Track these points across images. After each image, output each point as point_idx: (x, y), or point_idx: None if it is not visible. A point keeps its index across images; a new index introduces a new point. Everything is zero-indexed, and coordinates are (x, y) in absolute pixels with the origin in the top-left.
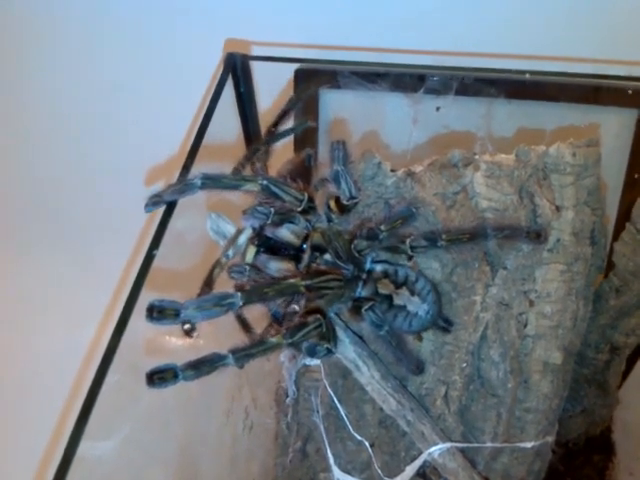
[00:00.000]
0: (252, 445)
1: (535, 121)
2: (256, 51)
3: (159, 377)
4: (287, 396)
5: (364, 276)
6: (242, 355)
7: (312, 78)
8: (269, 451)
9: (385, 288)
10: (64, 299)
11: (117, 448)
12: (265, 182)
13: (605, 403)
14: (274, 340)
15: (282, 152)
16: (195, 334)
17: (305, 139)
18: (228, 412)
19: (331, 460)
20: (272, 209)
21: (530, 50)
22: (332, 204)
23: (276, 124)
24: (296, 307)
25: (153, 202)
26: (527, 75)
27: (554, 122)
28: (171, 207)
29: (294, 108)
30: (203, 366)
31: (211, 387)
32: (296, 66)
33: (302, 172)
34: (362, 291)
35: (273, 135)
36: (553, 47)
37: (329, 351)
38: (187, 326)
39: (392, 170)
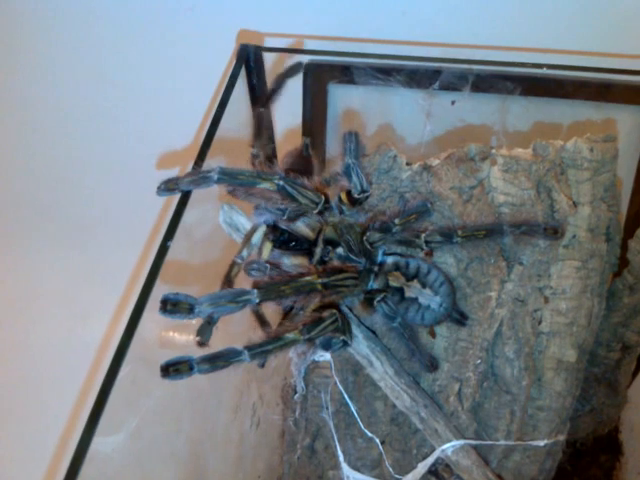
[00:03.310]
0: (259, 442)
1: (550, 116)
2: (268, 42)
3: (174, 369)
4: (295, 392)
5: (375, 269)
6: (258, 352)
7: (322, 72)
8: (275, 448)
9: (396, 281)
10: (76, 293)
11: (126, 442)
12: (282, 182)
13: (614, 403)
14: (291, 336)
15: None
16: (207, 346)
17: (314, 134)
18: (236, 408)
19: (341, 457)
20: (287, 206)
21: (546, 44)
22: (343, 197)
23: (266, 103)
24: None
25: (167, 188)
26: (544, 68)
27: (569, 118)
28: (185, 197)
29: (282, 87)
30: (218, 360)
31: (221, 382)
32: (308, 57)
33: (303, 163)
34: (373, 284)
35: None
36: (569, 40)
37: (345, 343)
38: (198, 338)
39: (407, 163)
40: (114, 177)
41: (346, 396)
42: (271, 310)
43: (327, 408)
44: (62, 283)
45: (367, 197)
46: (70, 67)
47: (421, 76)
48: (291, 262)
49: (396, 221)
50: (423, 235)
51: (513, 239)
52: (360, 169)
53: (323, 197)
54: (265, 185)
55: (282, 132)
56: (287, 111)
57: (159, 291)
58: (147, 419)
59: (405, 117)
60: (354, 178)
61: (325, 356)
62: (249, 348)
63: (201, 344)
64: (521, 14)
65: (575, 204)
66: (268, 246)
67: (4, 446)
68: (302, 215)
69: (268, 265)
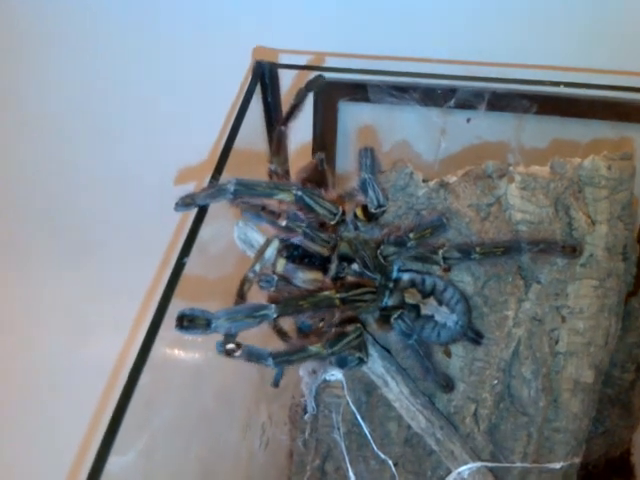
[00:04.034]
0: (267, 462)
1: (566, 134)
2: (283, 59)
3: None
4: (305, 412)
5: (391, 285)
6: (282, 360)
7: (334, 90)
8: (283, 469)
9: (412, 298)
10: (88, 309)
11: (136, 462)
12: (300, 193)
13: (627, 424)
14: (314, 349)
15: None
16: (238, 353)
17: (325, 153)
18: (245, 428)
19: (352, 479)
20: (304, 222)
21: (563, 61)
22: (359, 212)
23: (286, 121)
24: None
25: (185, 203)
26: (561, 86)
27: (585, 136)
28: (201, 214)
29: (303, 102)
30: (252, 357)
31: (230, 402)
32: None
33: (317, 178)
34: (389, 300)
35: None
36: (586, 58)
37: (361, 361)
38: (230, 346)
39: (424, 180)
40: (129, 191)
41: (358, 416)
42: (287, 326)
43: (338, 429)
44: (73, 299)
45: (384, 212)
46: (85, 82)
47: (436, 94)
48: (306, 277)
49: (411, 235)
50: (441, 251)
51: (531, 257)
52: (376, 184)
53: (341, 208)
54: (283, 196)
55: (293, 149)
56: (297, 127)
57: (174, 308)
58: (157, 438)
59: (419, 134)
60: (370, 192)
61: (337, 375)
62: (274, 356)
63: (230, 353)
64: (537, 31)
65: (593, 222)
66: (281, 262)
67: (12, 465)
68: (316, 229)
69: (279, 278)
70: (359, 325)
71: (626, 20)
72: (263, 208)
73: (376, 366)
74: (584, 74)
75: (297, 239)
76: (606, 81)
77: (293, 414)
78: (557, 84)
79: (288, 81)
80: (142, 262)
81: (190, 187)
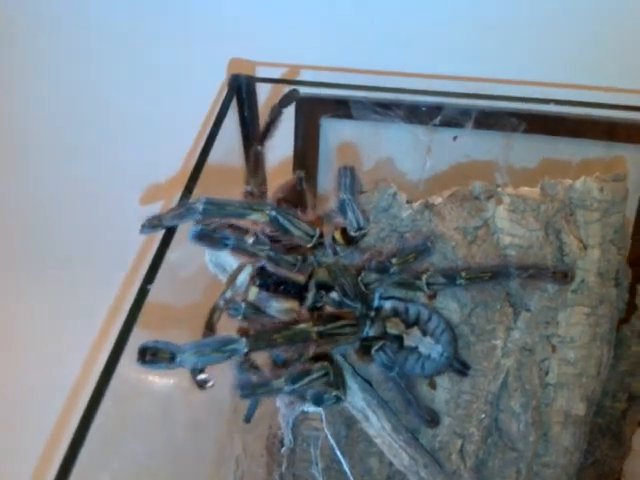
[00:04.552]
0: None
1: (556, 153)
2: (260, 72)
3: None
4: (282, 445)
5: (372, 314)
6: (247, 393)
7: (315, 106)
8: None
9: (395, 328)
10: (48, 332)
11: None
12: (274, 213)
13: (617, 454)
14: (275, 384)
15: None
16: (210, 384)
17: (305, 170)
18: (218, 462)
19: None
20: (267, 245)
21: (553, 77)
22: (338, 235)
23: (263, 139)
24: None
25: (151, 224)
26: (551, 104)
27: (576, 155)
28: (168, 236)
29: (278, 119)
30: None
31: (201, 434)
32: (302, 87)
33: (295, 198)
34: (370, 330)
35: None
36: (577, 74)
37: (338, 399)
38: (201, 376)
39: (408, 201)
40: (95, 207)
41: (338, 451)
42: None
43: (317, 464)
44: (34, 321)
45: (364, 235)
46: (50, 97)
47: (422, 111)
48: (280, 306)
49: (393, 261)
50: (424, 276)
51: (520, 283)
52: (356, 205)
53: (318, 230)
54: (256, 216)
55: (272, 166)
56: (277, 144)
57: (138, 338)
58: (119, 477)
59: (404, 153)
60: (349, 214)
61: (315, 407)
62: (240, 388)
63: (202, 385)
64: (526, 46)
65: (585, 247)
66: (254, 290)
67: None
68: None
69: (252, 307)
70: (325, 364)
71: (620, 36)
72: (231, 226)
73: (356, 399)
74: (575, 91)
75: (271, 267)
76: (598, 99)
77: (270, 445)
78: (547, 102)
79: (266, 95)
80: (107, 283)
81: (157, 206)
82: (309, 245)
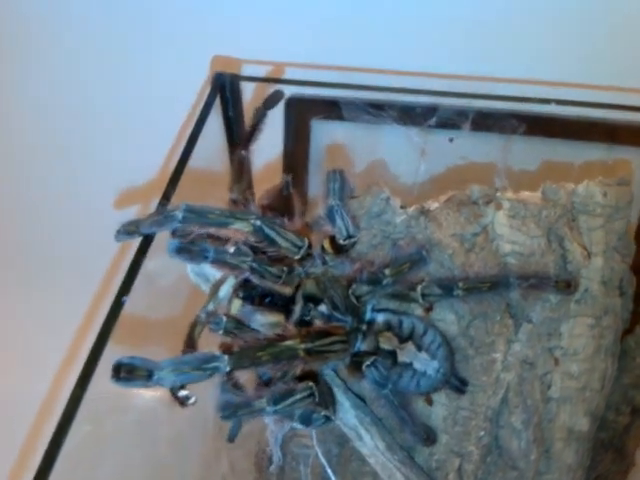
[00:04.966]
0: None
1: (558, 155)
2: (246, 70)
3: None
4: (271, 462)
5: (364, 328)
6: (229, 414)
7: (305, 107)
8: None
9: (388, 342)
10: (21, 343)
11: None
12: (259, 222)
13: (620, 469)
14: (257, 404)
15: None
16: (192, 401)
17: (295, 174)
18: None
19: None
20: (249, 256)
21: (554, 76)
22: (326, 244)
23: (247, 143)
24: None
25: (127, 231)
26: (552, 104)
27: (578, 157)
28: (145, 245)
29: (262, 122)
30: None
31: (185, 452)
32: (290, 87)
33: (282, 204)
34: (361, 345)
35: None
36: (579, 73)
37: (327, 419)
38: (182, 393)
39: (402, 207)
40: (69, 212)
41: (329, 470)
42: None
43: None
44: (5, 332)
45: (354, 243)
46: (24, 100)
47: (416, 112)
48: (265, 320)
49: (386, 271)
50: (419, 287)
51: (521, 293)
52: (345, 211)
53: (307, 240)
54: (240, 225)
55: (260, 168)
56: (265, 145)
57: (112, 353)
58: None
59: (397, 155)
60: (338, 222)
61: None
62: (224, 407)
63: (183, 402)
64: (526, 43)
65: (588, 254)
66: (237, 303)
67: None
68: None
69: (235, 321)
70: (311, 384)
71: (624, 33)
72: (211, 236)
73: (348, 417)
74: (577, 90)
75: (255, 279)
76: (602, 99)
77: (259, 461)
78: (547, 101)
79: (251, 94)
80: (82, 293)
81: (134, 210)
82: (297, 257)
